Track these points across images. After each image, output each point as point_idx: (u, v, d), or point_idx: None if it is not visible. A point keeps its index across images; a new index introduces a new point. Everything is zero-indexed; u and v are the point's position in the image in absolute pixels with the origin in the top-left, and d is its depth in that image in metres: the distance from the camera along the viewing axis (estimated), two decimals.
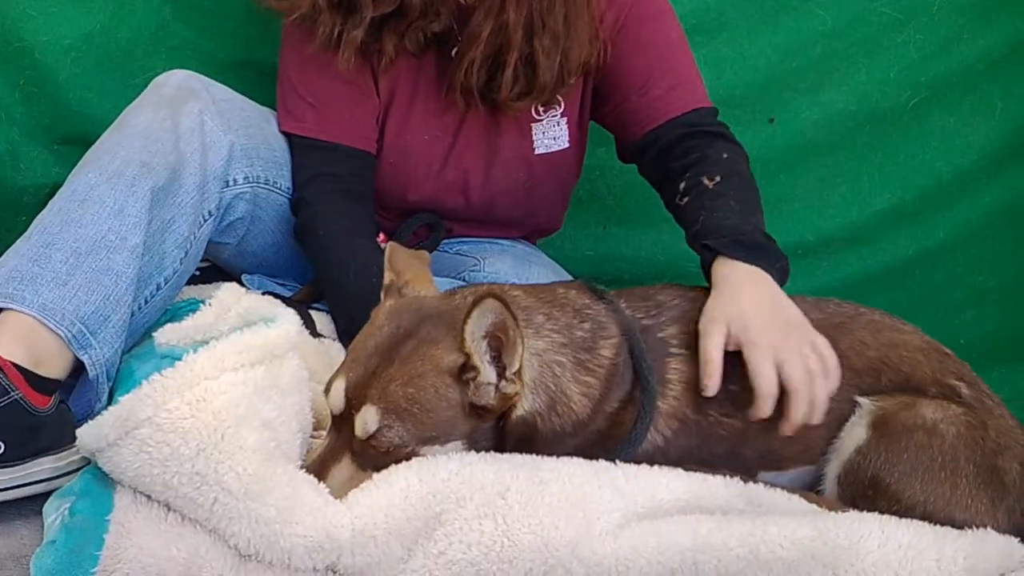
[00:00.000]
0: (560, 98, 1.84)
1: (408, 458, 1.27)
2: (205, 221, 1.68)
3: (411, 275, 1.39)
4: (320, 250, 1.73)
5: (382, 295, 1.39)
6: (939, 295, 2.28)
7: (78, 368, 1.49)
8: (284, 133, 1.82)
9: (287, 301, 1.69)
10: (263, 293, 1.70)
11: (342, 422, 1.29)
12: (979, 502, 1.36)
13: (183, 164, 1.62)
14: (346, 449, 1.28)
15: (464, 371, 1.27)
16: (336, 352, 1.66)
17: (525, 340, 1.27)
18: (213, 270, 1.87)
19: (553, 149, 1.88)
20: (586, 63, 1.76)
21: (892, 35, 2.20)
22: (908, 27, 2.20)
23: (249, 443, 1.22)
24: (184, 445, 1.20)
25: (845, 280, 2.28)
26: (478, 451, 1.31)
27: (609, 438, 1.38)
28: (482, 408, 1.28)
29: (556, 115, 1.86)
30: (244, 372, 1.27)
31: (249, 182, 1.75)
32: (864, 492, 1.38)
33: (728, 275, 1.53)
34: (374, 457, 1.26)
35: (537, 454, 1.33)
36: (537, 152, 1.87)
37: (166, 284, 1.61)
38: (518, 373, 1.29)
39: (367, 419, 1.25)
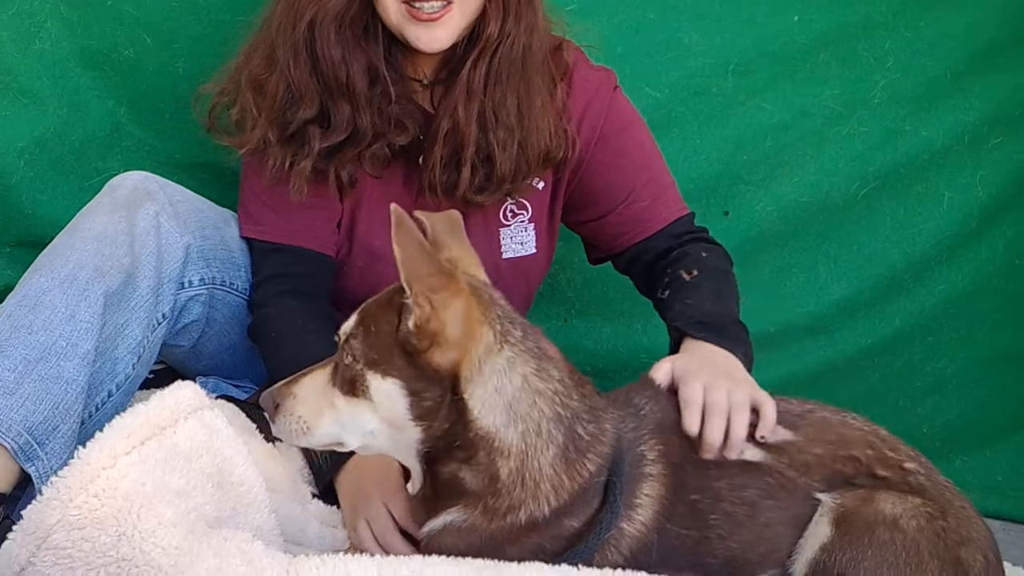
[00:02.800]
0: (527, 203, 1.85)
1: (358, 382, 1.29)
2: (159, 324, 1.66)
3: (457, 252, 1.41)
4: (273, 349, 1.71)
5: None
6: (899, 384, 2.28)
7: (25, 479, 1.44)
8: (244, 238, 1.80)
9: (243, 404, 1.66)
10: (218, 396, 1.67)
11: None
12: None
13: (137, 267, 1.61)
14: (333, 362, 1.34)
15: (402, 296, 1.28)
16: (293, 455, 1.63)
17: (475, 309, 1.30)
18: (167, 372, 1.84)
19: (521, 254, 1.88)
20: (550, 156, 1.77)
21: (837, 128, 2.24)
22: (851, 120, 2.24)
23: (167, 517, 1.19)
24: (103, 534, 1.17)
25: (806, 370, 2.29)
26: (421, 429, 1.29)
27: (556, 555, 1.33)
28: (407, 341, 1.27)
29: (524, 220, 1.87)
30: (137, 452, 1.24)
31: (205, 284, 1.73)
32: None
33: (693, 349, 1.58)
34: (341, 369, 1.31)
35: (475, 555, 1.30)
36: (505, 256, 1.87)
37: (118, 390, 1.58)
38: (435, 310, 1.26)
39: (348, 322, 1.34)
